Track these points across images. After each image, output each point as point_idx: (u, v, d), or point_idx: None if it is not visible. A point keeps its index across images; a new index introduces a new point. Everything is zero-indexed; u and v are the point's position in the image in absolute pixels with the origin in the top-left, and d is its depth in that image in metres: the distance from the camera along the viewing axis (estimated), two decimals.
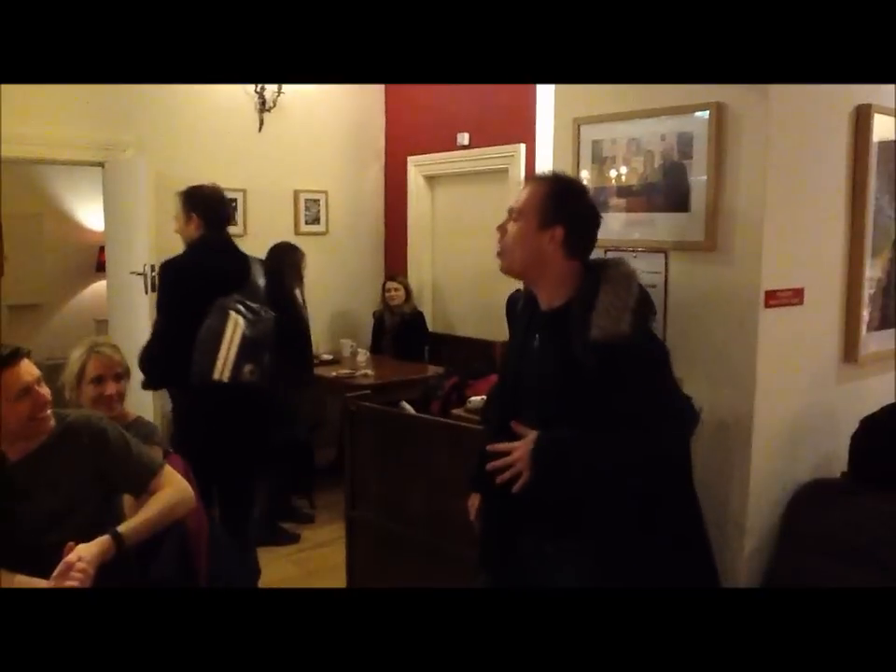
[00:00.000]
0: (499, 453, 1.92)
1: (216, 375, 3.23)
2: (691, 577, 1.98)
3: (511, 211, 1.98)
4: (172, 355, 3.27)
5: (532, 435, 1.90)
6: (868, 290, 2.39)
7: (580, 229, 1.96)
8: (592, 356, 1.83)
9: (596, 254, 2.33)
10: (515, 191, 5.41)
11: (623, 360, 1.82)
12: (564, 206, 1.94)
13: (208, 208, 3.58)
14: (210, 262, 3.41)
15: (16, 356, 2.06)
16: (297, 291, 4.75)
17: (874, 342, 2.44)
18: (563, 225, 1.92)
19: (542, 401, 1.98)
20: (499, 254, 2.00)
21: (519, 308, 2.18)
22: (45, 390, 2.11)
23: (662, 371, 1.93)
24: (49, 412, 2.11)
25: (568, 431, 1.90)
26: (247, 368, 3.30)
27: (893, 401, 2.18)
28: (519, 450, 1.89)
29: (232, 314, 3.30)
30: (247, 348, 3.29)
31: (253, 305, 3.38)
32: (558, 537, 1.98)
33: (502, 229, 1.99)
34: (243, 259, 3.56)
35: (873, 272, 2.40)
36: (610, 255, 2.34)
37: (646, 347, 1.92)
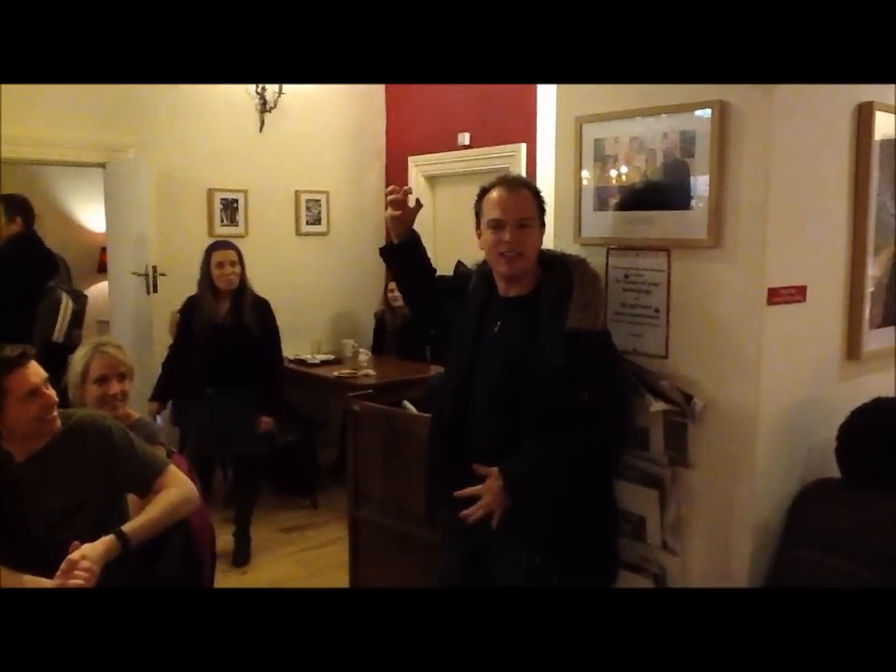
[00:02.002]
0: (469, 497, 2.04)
1: (54, 338, 4.47)
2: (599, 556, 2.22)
3: (517, 219, 2.12)
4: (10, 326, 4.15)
5: (494, 473, 2.03)
6: (870, 288, 2.39)
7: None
8: (562, 344, 2.03)
9: (601, 252, 2.36)
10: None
11: (592, 350, 2.06)
12: (545, 206, 2.20)
13: (26, 210, 4.62)
14: (35, 253, 4.60)
15: (23, 357, 2.07)
16: None
17: (876, 339, 2.45)
18: (544, 225, 2.21)
19: (500, 386, 2.13)
20: (514, 259, 2.13)
21: (470, 289, 2.30)
22: (51, 391, 2.12)
23: (619, 364, 2.18)
24: (55, 412, 2.12)
25: (526, 453, 2.05)
26: (75, 333, 4.55)
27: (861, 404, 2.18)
28: (488, 494, 2.02)
29: (63, 294, 4.56)
30: (75, 318, 4.57)
31: (69, 286, 4.71)
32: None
33: (515, 236, 2.11)
34: (51, 251, 4.73)
35: (875, 269, 2.41)
36: (613, 253, 2.35)
37: (610, 341, 2.16)
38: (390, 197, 2.32)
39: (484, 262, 2.29)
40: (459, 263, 2.47)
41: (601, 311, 2.14)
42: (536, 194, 2.19)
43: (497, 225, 2.13)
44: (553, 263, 2.19)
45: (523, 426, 2.08)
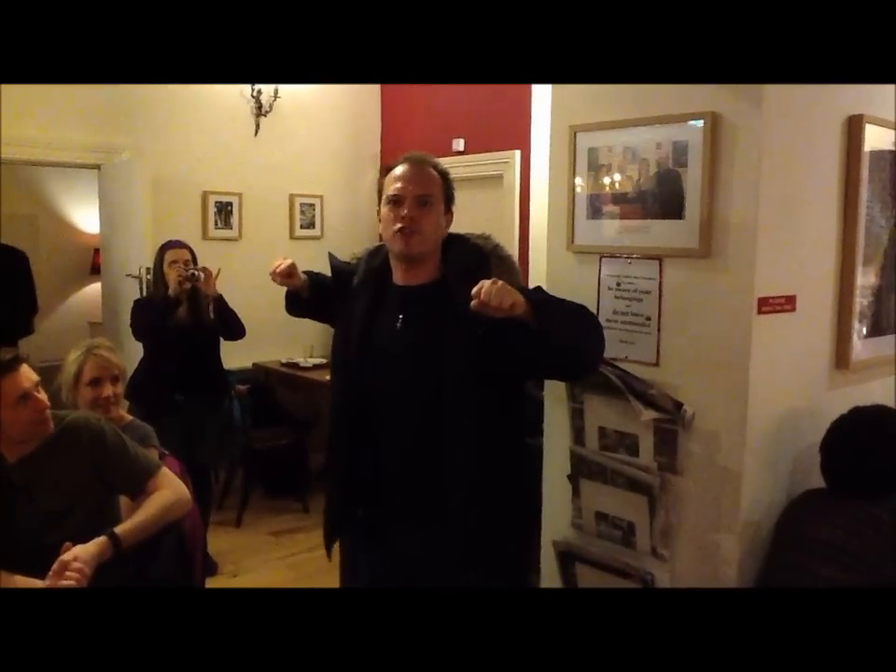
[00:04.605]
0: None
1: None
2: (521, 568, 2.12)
3: (417, 195, 2.01)
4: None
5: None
6: (859, 298, 2.42)
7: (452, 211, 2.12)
8: (480, 326, 1.83)
9: (593, 259, 2.38)
10: (510, 198, 5.39)
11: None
12: (453, 192, 2.11)
13: None
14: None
15: (15, 362, 2.08)
16: None
17: (865, 348, 2.47)
18: (451, 211, 2.10)
19: (412, 388, 2.00)
20: (411, 236, 1.99)
21: (355, 284, 2.14)
22: (43, 395, 2.13)
23: None
24: (47, 414, 2.13)
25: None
26: None
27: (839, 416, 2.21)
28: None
29: None
30: None
31: None
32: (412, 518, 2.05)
33: (414, 212, 1.99)
34: None
35: (864, 279, 2.43)
36: (605, 261, 2.36)
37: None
38: (280, 269, 2.19)
39: (372, 254, 2.18)
40: (331, 256, 2.29)
41: (521, 284, 1.98)
42: (444, 176, 2.08)
43: (395, 200, 2.01)
44: (459, 245, 2.08)
45: (444, 429, 1.95)
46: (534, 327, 1.78)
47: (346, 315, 2.13)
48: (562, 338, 1.84)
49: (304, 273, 2.26)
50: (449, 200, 2.08)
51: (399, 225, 1.99)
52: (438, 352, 1.95)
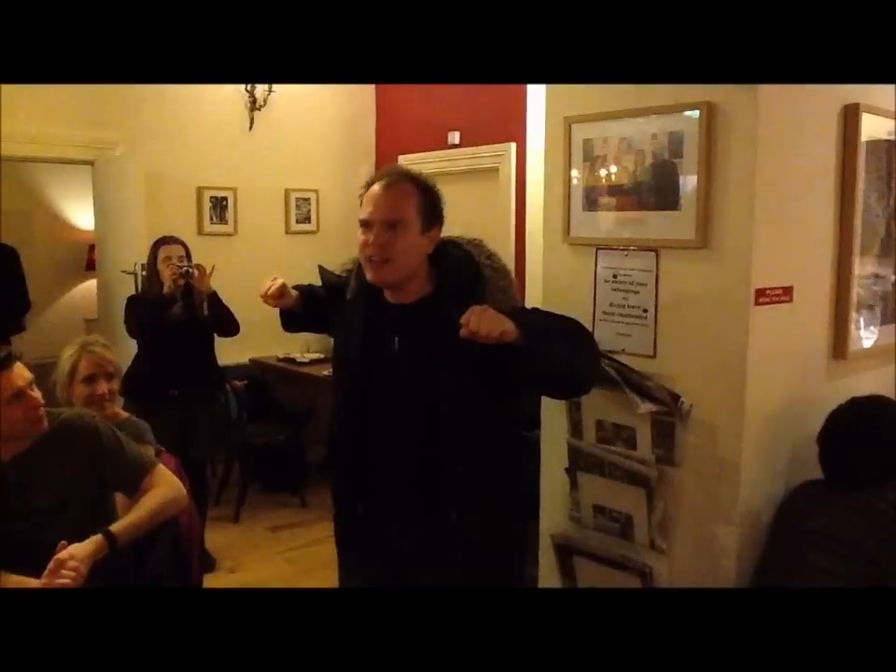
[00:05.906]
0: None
1: None
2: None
3: (385, 220, 1.90)
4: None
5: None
6: (856, 288, 2.41)
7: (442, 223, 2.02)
8: (476, 347, 1.77)
9: (590, 251, 2.37)
10: (506, 190, 5.36)
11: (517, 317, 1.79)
12: (438, 206, 2.00)
13: None
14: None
15: (8, 359, 2.07)
16: None
17: (862, 338, 2.46)
18: (438, 225, 1.99)
19: (411, 408, 1.97)
20: (381, 266, 1.91)
21: (349, 297, 2.08)
22: (37, 393, 2.12)
23: None
24: (41, 412, 2.12)
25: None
26: None
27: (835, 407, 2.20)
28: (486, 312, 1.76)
29: None
30: None
31: None
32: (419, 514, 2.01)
33: (381, 239, 1.90)
34: None
35: (861, 269, 2.42)
36: (601, 253, 2.35)
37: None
38: (271, 291, 2.12)
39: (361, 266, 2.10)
40: (321, 269, 2.24)
41: (512, 287, 2.00)
42: (425, 191, 1.98)
43: (364, 224, 1.93)
44: (451, 254, 2.02)
45: (443, 432, 1.93)
46: (524, 352, 1.75)
47: (344, 331, 2.10)
48: (554, 361, 1.80)
49: (295, 287, 2.21)
50: (431, 215, 1.97)
51: (367, 253, 1.92)
52: (435, 368, 1.92)
